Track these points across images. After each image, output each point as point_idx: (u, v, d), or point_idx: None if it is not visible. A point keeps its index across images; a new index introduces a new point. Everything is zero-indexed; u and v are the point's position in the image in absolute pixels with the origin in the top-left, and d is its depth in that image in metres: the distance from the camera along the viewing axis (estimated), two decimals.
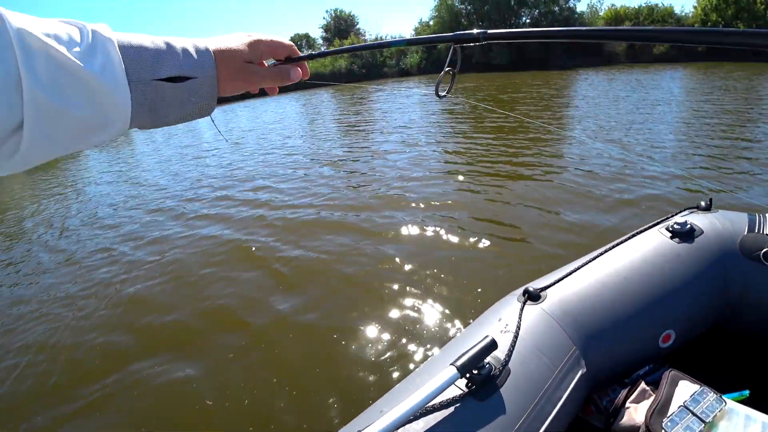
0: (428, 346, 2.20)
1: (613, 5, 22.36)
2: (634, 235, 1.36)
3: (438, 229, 3.58)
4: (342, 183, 5.31)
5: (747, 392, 1.05)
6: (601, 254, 1.29)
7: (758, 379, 1.18)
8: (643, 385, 1.10)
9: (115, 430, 1.98)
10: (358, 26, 33.52)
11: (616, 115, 7.77)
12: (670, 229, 1.32)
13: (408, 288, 2.75)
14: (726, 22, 17.77)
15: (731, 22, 17.66)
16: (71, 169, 10.16)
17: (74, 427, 2.01)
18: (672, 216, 1.43)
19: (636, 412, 1.04)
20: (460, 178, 4.98)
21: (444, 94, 0.63)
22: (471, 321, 1.20)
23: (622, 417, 1.05)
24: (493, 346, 0.89)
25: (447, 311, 2.48)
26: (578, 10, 23.30)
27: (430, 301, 2.59)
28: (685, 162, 4.74)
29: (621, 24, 20.64)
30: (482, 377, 0.88)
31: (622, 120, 7.29)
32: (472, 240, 3.32)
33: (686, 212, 1.44)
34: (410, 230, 3.64)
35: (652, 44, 18.83)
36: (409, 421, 0.81)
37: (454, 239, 3.37)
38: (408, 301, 2.61)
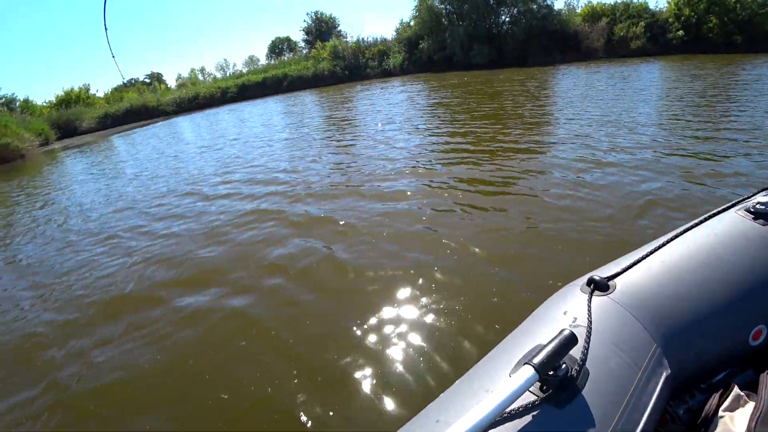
0: (476, 342, 1.99)
1: (589, 2, 22.83)
2: (707, 218, 1.21)
3: (470, 213, 3.48)
4: (368, 169, 5.27)
5: None
6: (673, 239, 1.15)
7: None
8: (736, 389, 0.94)
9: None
10: (339, 28, 33.49)
11: (608, 103, 8.02)
12: (752, 210, 1.18)
13: (448, 275, 2.61)
14: (699, 17, 18.36)
15: (704, 16, 18.26)
16: (55, 172, 9.92)
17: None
18: (750, 197, 1.29)
19: (733, 422, 0.88)
20: (477, 160, 5.03)
21: None
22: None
23: (716, 428, 0.89)
24: (572, 341, 0.76)
25: (494, 302, 2.27)
26: (556, 7, 23.69)
27: (473, 290, 2.41)
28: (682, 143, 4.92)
29: (598, 20, 21.15)
30: (559, 379, 0.75)
31: (613, 107, 7.54)
32: (509, 225, 3.18)
33: (764, 192, 1.28)
34: (442, 212, 3.57)
35: (629, 38, 19.39)
36: None
37: (489, 224, 3.24)
38: (448, 290, 2.44)
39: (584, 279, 1.07)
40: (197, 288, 2.86)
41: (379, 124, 8.51)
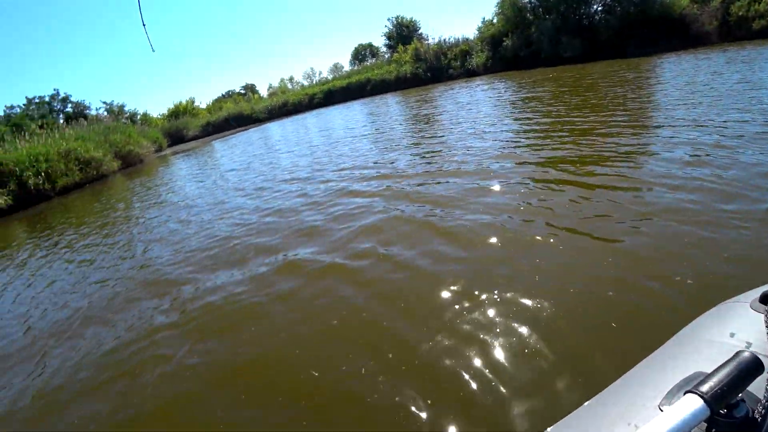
0: (588, 340, 1.74)
1: None
2: None
3: (573, 195, 3.22)
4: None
5: None
6: None
7: None
8: None
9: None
10: (420, 31, 33.66)
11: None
12: None
13: (552, 257, 2.42)
14: None
15: None
16: (167, 172, 11.16)
17: None
18: None
19: None
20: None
21: None
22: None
23: None
24: (757, 368, 0.55)
25: (610, 296, 1.97)
26: None
27: (582, 279, 2.17)
28: None
29: (709, 2, 18.92)
30: (737, 422, 0.54)
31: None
32: (618, 210, 2.86)
33: None
34: (541, 192, 3.46)
35: (751, 18, 17.06)
36: None
37: (596, 208, 2.97)
38: (554, 275, 2.23)
39: (753, 294, 0.86)
40: (301, 248, 3.27)
41: (467, 118, 8.37)
